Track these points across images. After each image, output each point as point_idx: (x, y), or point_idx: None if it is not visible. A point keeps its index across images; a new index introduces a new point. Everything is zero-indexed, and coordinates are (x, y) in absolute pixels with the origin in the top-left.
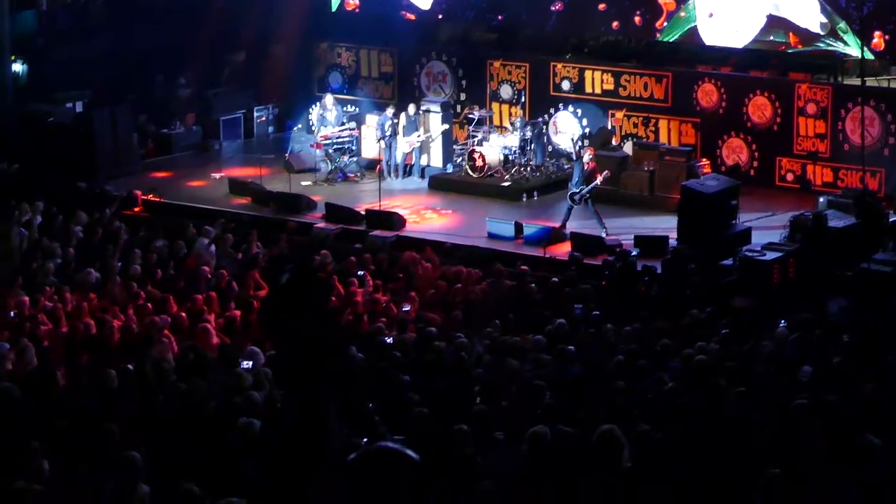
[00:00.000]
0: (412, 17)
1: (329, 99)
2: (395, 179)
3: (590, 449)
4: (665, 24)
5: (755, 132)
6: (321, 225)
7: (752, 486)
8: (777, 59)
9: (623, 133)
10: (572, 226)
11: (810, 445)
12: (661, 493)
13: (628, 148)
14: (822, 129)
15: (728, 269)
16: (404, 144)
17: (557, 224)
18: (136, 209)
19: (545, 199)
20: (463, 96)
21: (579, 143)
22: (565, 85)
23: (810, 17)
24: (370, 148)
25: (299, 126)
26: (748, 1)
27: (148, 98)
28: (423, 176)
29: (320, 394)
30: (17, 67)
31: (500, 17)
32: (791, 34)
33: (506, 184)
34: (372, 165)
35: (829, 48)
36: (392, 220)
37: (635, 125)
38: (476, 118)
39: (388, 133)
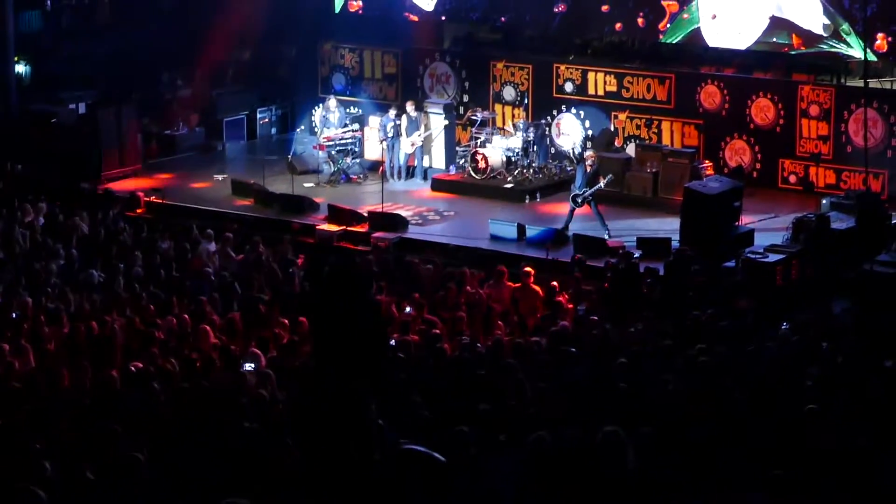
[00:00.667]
0: (415, 18)
1: (332, 101)
2: (397, 181)
3: (593, 450)
4: (668, 25)
5: (758, 134)
6: (324, 226)
7: (756, 488)
8: (780, 60)
9: (626, 135)
10: (575, 227)
11: (815, 447)
12: (664, 495)
13: (631, 150)
14: (825, 130)
15: (731, 270)
16: (407, 145)
17: (560, 226)
18: (139, 210)
19: (548, 200)
20: (466, 98)
21: (582, 145)
22: (568, 86)
23: (813, 19)
24: (373, 149)
25: (302, 127)
26: (751, 2)
27: (152, 98)
28: (425, 177)
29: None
30: (21, 68)
31: (503, 19)
32: (794, 36)
33: (508, 185)
34: (375, 167)
35: (833, 50)
36: (395, 222)
37: (638, 127)
38: (479, 120)
39: (390, 134)
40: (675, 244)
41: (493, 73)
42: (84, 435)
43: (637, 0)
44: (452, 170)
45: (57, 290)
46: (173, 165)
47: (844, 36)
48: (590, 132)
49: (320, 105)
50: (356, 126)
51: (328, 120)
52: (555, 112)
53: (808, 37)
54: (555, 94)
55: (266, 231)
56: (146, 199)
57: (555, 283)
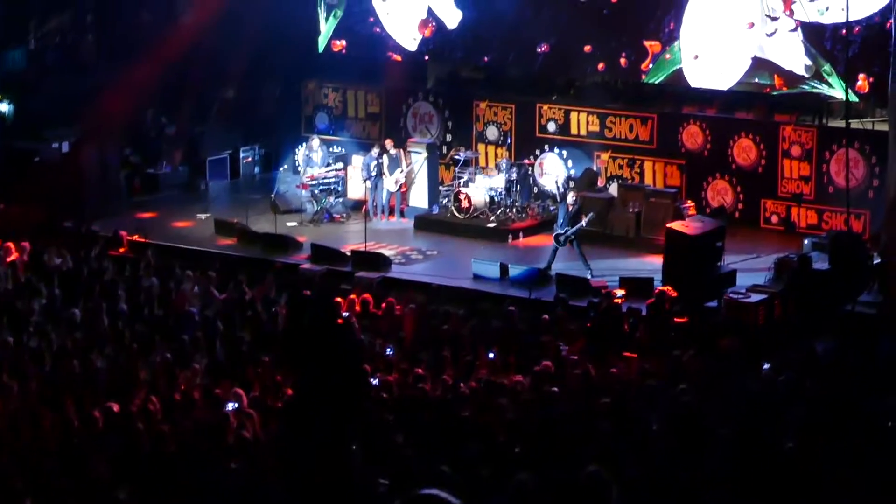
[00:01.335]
0: (399, 57)
1: (315, 140)
2: (380, 220)
3: (576, 491)
4: (650, 65)
5: (740, 174)
6: (307, 265)
7: None
8: (762, 101)
9: (608, 174)
10: (557, 267)
11: (798, 487)
12: None
13: (614, 189)
14: (807, 171)
15: (713, 310)
16: (390, 183)
17: (543, 265)
18: (122, 249)
19: (531, 240)
20: (449, 137)
21: (564, 184)
22: (551, 126)
23: (795, 60)
24: (356, 188)
25: (285, 167)
26: (733, 43)
27: (135, 136)
28: (402, 215)
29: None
30: (4, 106)
31: (486, 59)
32: (776, 76)
33: (491, 225)
34: (358, 206)
35: (814, 90)
36: (378, 261)
37: (621, 166)
38: (462, 159)
39: (373, 173)
40: (657, 284)
41: (476, 113)
42: (66, 475)
43: (620, 40)
44: (435, 209)
45: (39, 328)
46: (156, 204)
47: (826, 77)
48: (572, 172)
49: (303, 144)
50: (339, 165)
51: (311, 159)
52: (538, 151)
53: (790, 77)
54: (538, 134)
55: (249, 270)
56: (129, 237)
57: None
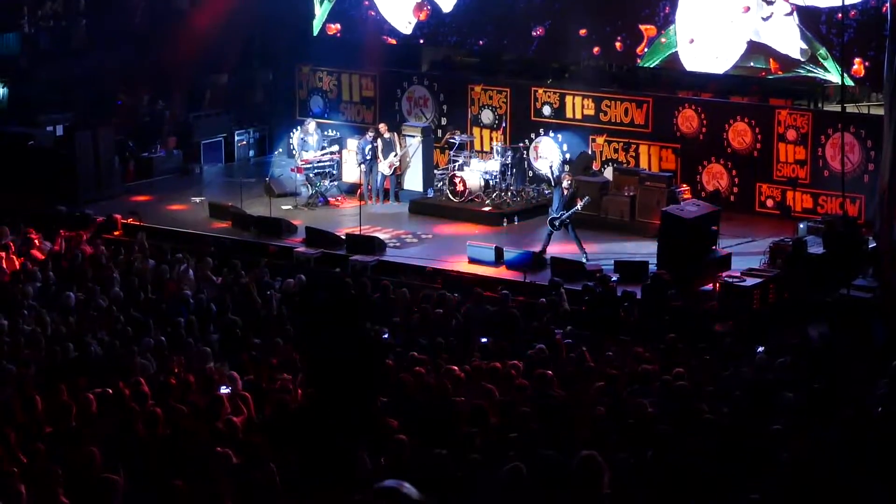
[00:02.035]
0: (393, 41)
1: (311, 124)
2: (375, 204)
3: (570, 475)
4: (646, 49)
5: (735, 158)
6: (302, 249)
7: None
8: (757, 85)
9: (604, 158)
10: (552, 251)
11: (790, 472)
12: None
13: (609, 173)
14: (802, 155)
15: (708, 294)
16: (384, 167)
17: (538, 249)
18: (116, 233)
19: (525, 224)
20: (444, 121)
21: (559, 168)
22: (546, 110)
23: (791, 44)
24: (351, 172)
25: (280, 150)
26: (729, 27)
27: (129, 121)
28: (397, 199)
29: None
30: None
31: (481, 42)
32: (771, 60)
33: (486, 209)
34: (353, 190)
35: (810, 74)
36: (373, 245)
37: (616, 150)
38: (457, 143)
39: (368, 157)
40: (652, 268)
41: (470, 97)
42: (60, 458)
43: (615, 24)
44: (430, 193)
45: (34, 312)
46: (151, 188)
47: (822, 61)
48: (567, 156)
49: (298, 128)
50: (335, 148)
51: (306, 143)
52: (533, 135)
53: (786, 62)
54: (533, 118)
55: (243, 254)
56: (123, 221)
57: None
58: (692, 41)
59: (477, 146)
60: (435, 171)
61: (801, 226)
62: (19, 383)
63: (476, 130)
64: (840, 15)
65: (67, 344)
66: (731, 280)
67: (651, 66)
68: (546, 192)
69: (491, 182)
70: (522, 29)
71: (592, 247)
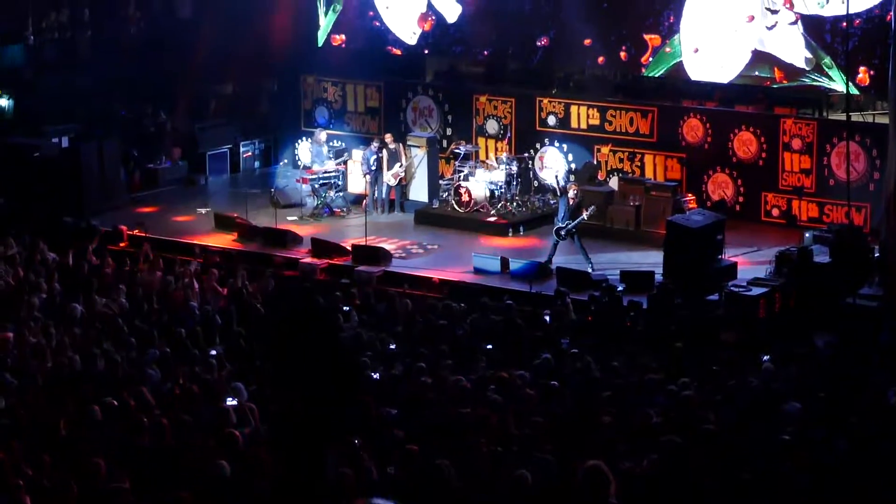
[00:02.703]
0: (398, 51)
1: (323, 134)
2: (380, 214)
3: (576, 485)
4: (650, 59)
5: (741, 167)
6: (307, 260)
7: None
8: (762, 94)
9: (609, 168)
10: (558, 261)
11: (796, 481)
12: None
13: (614, 183)
14: (808, 164)
15: (714, 304)
16: (389, 177)
17: (543, 259)
18: (122, 244)
19: (531, 234)
20: (449, 131)
21: (563, 178)
22: (551, 120)
23: (795, 53)
24: (356, 183)
25: (285, 161)
26: (733, 36)
27: (134, 132)
28: (402, 209)
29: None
30: (4, 101)
31: (485, 52)
32: (776, 69)
33: (492, 219)
34: (358, 200)
35: (815, 83)
36: (378, 255)
37: (621, 160)
38: (462, 153)
39: (373, 167)
40: (658, 277)
41: (475, 107)
42: (67, 469)
43: (620, 34)
44: (436, 203)
45: (39, 323)
46: (156, 199)
47: (826, 69)
48: (573, 165)
49: (305, 138)
50: (345, 157)
51: (321, 153)
52: (538, 145)
53: (791, 70)
54: (538, 128)
55: (249, 264)
56: (129, 232)
57: None
58: (697, 50)
59: (482, 156)
60: (440, 182)
61: (807, 235)
62: (25, 395)
63: (481, 140)
64: (844, 23)
65: (73, 355)
66: (737, 289)
67: (656, 75)
68: (551, 201)
69: (496, 192)
70: (527, 39)
71: (598, 256)
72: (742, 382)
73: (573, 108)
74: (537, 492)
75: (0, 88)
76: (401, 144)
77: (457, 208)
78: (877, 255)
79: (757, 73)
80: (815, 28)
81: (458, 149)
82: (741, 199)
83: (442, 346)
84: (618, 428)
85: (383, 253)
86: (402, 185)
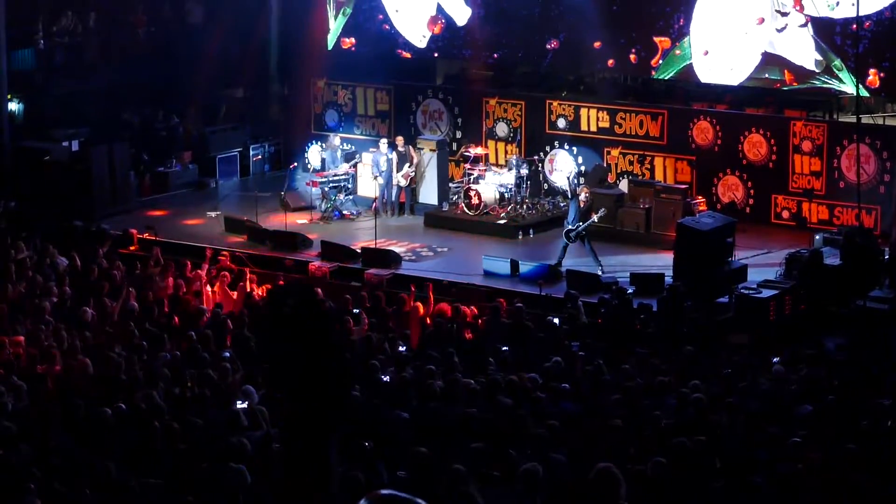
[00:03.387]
0: (408, 55)
1: (336, 139)
2: (390, 217)
3: (587, 487)
4: (660, 61)
5: (751, 169)
6: (317, 263)
7: None
8: (772, 96)
9: (619, 171)
10: (568, 263)
11: (808, 483)
12: None
13: (624, 185)
14: (818, 166)
15: (724, 306)
16: (400, 179)
17: (553, 261)
18: (132, 247)
19: (541, 236)
20: (459, 134)
21: (575, 181)
22: (561, 123)
23: (805, 55)
24: (366, 186)
25: (295, 164)
26: (743, 39)
27: (145, 136)
28: (412, 212)
29: (322, 432)
30: (14, 105)
31: (495, 55)
32: (786, 72)
33: (501, 221)
34: (368, 203)
35: (825, 86)
36: (388, 258)
37: (631, 163)
38: (472, 156)
39: (383, 170)
40: (668, 280)
41: (485, 110)
42: (78, 472)
43: (629, 36)
44: (445, 206)
45: (50, 327)
46: (166, 202)
47: (836, 72)
48: (583, 168)
49: (316, 142)
50: (358, 158)
51: (337, 157)
52: (548, 148)
53: (801, 73)
54: (547, 131)
55: (259, 268)
56: (139, 235)
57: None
58: (707, 53)
59: (492, 159)
60: (450, 185)
61: (817, 237)
62: (36, 398)
63: (491, 143)
64: (855, 26)
65: (84, 359)
66: (747, 292)
67: (666, 78)
68: (561, 204)
69: (506, 195)
70: (537, 42)
71: (608, 259)
72: (752, 385)
73: (583, 111)
74: (548, 489)
75: (10, 92)
76: (410, 147)
77: (466, 211)
78: (887, 257)
79: (767, 75)
80: (826, 30)
81: (468, 152)
82: (751, 201)
83: (450, 348)
84: (628, 430)
85: (393, 256)
86: (412, 188)
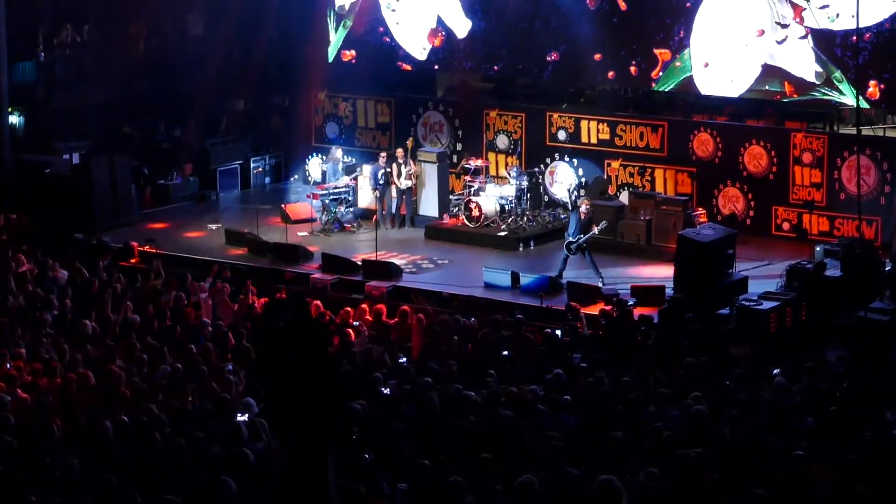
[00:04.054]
0: (408, 67)
1: (339, 151)
2: (390, 230)
3: (588, 499)
4: (661, 73)
5: (751, 181)
6: (318, 275)
7: None
8: (772, 108)
9: (619, 182)
10: (569, 275)
11: (810, 494)
12: None
13: (624, 197)
14: (818, 178)
15: (725, 318)
16: (403, 181)
17: (554, 274)
18: (133, 260)
19: (542, 248)
20: (459, 146)
21: (575, 193)
22: (561, 135)
23: (805, 67)
24: (366, 198)
25: (296, 177)
26: (743, 51)
27: (146, 148)
28: (412, 224)
29: (318, 444)
30: (15, 118)
31: (496, 68)
32: (786, 83)
33: (502, 233)
34: (368, 215)
35: (825, 97)
36: (389, 270)
37: (631, 175)
38: (472, 168)
39: (381, 182)
40: (669, 292)
41: (486, 122)
42: (79, 486)
43: (630, 49)
44: (446, 219)
45: (51, 340)
46: (167, 215)
47: (837, 83)
48: (583, 180)
49: (316, 154)
50: (358, 172)
51: (338, 170)
52: (548, 160)
53: (801, 84)
54: (548, 143)
55: (260, 280)
56: (140, 248)
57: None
58: (707, 65)
59: (492, 171)
60: (450, 197)
61: (818, 249)
62: (38, 411)
63: (491, 155)
64: (855, 37)
65: (85, 372)
66: (748, 303)
67: (666, 90)
68: (562, 216)
69: (506, 207)
70: (537, 54)
71: (609, 271)
72: (754, 397)
73: (583, 123)
74: (547, 499)
75: (12, 105)
76: (412, 161)
77: (467, 223)
78: (888, 268)
79: (767, 87)
80: (826, 42)
81: (469, 164)
82: (752, 213)
83: (451, 360)
84: (629, 442)
85: (394, 268)
86: (413, 200)
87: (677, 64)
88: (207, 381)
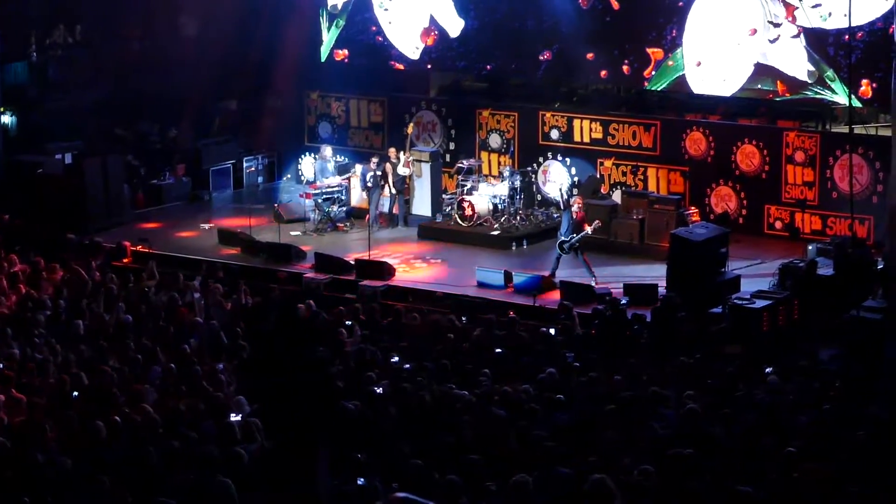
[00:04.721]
0: (401, 66)
1: (328, 150)
2: (382, 228)
3: (581, 498)
4: (653, 73)
5: (743, 180)
6: (311, 275)
7: None
8: (765, 107)
9: (612, 182)
10: (562, 274)
11: (803, 493)
12: None
13: (617, 196)
14: (811, 176)
15: (718, 316)
16: (402, 168)
17: (547, 273)
18: (126, 260)
19: (534, 247)
20: (452, 146)
21: (568, 192)
22: (554, 134)
23: (798, 66)
24: (359, 197)
25: (288, 176)
26: (736, 50)
27: (138, 148)
28: (405, 223)
29: (308, 444)
30: (7, 118)
31: (488, 67)
32: (779, 82)
33: (495, 233)
34: (361, 215)
35: (817, 96)
36: (382, 270)
37: (624, 174)
38: (465, 167)
39: (370, 184)
40: (661, 291)
41: (479, 121)
42: (72, 486)
43: (622, 48)
44: (439, 218)
45: (44, 340)
46: (160, 215)
47: (829, 82)
48: (576, 179)
49: (309, 154)
50: (353, 170)
51: (326, 169)
52: (541, 159)
53: (793, 83)
54: (541, 142)
55: (253, 280)
56: (133, 248)
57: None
58: (699, 64)
59: (485, 170)
60: (443, 196)
61: (810, 247)
62: (30, 413)
63: (484, 155)
64: (847, 36)
65: (78, 373)
66: (740, 302)
67: (659, 89)
68: (555, 215)
69: (499, 206)
70: (530, 53)
71: (602, 270)
72: (747, 395)
73: (576, 122)
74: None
75: (4, 105)
76: (403, 156)
77: (460, 222)
78: (881, 267)
79: (760, 86)
80: (818, 41)
81: (462, 163)
82: (744, 212)
83: (444, 360)
84: (623, 441)
85: (387, 267)
86: (406, 200)
87: (670, 63)
88: (200, 381)
